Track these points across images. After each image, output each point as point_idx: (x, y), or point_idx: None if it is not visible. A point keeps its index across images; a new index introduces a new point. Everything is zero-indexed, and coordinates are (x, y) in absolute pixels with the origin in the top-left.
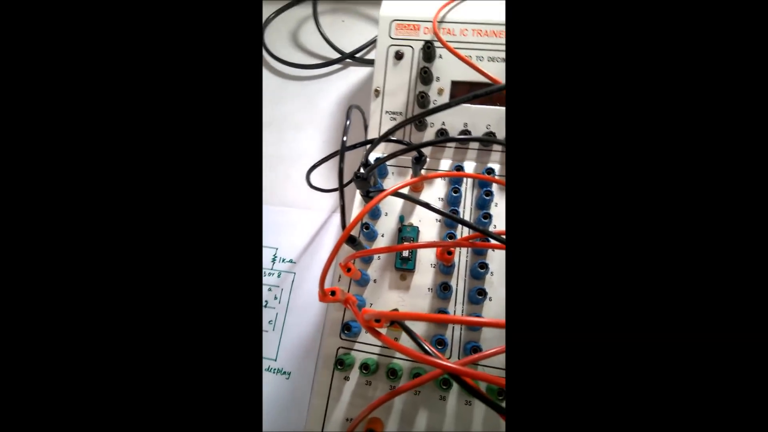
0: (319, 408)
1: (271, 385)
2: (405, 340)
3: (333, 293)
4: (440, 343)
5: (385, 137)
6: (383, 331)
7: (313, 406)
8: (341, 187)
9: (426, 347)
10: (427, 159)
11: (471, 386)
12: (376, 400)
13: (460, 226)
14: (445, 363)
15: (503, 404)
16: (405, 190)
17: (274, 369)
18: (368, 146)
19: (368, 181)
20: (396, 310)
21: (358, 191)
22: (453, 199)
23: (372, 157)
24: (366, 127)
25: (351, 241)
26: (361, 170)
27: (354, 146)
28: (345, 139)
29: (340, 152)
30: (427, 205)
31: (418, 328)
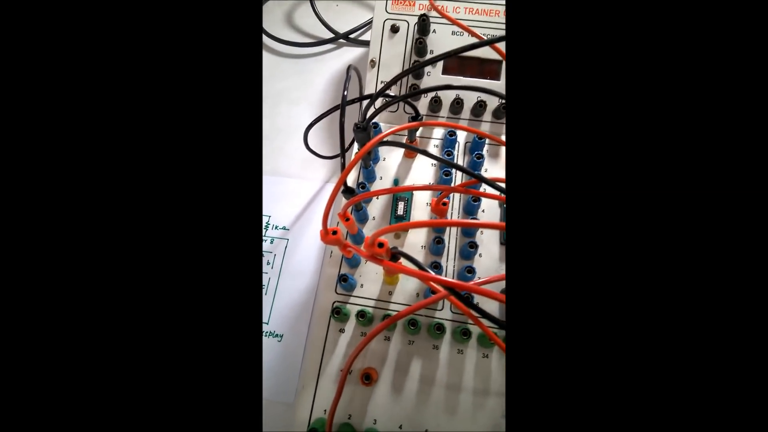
0: (313, 361)
1: (263, 347)
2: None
3: (335, 232)
4: (438, 241)
5: (383, 91)
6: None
7: (308, 357)
8: (342, 142)
9: (426, 268)
10: (423, 119)
11: (472, 303)
12: (364, 339)
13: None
14: (447, 279)
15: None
16: (399, 157)
17: (267, 332)
18: (366, 101)
19: (368, 132)
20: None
21: (354, 152)
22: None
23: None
24: (362, 94)
25: (349, 192)
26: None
27: (353, 101)
28: (345, 93)
29: (341, 106)
30: (424, 152)
31: (417, 241)
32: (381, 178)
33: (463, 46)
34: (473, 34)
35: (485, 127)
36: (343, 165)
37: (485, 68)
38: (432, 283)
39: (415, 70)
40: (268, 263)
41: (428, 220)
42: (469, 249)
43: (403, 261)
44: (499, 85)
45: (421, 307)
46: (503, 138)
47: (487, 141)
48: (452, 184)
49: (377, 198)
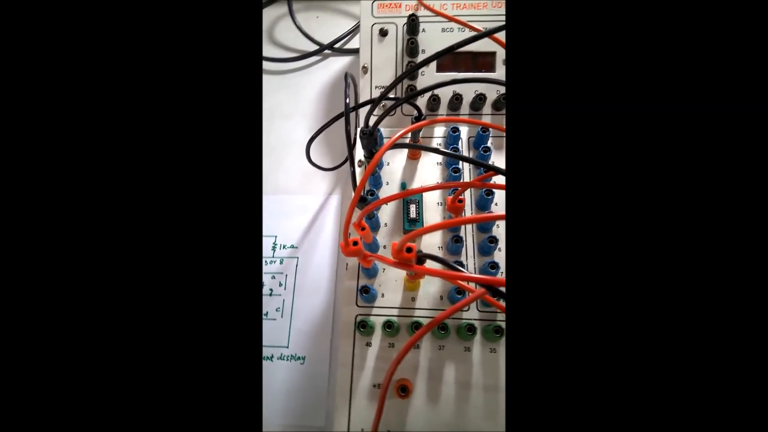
0: (344, 380)
1: (285, 372)
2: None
3: (356, 243)
4: (457, 240)
5: (385, 95)
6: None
7: (339, 376)
8: (350, 150)
9: (456, 266)
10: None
11: None
12: (401, 350)
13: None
14: (482, 276)
15: None
16: (403, 160)
17: (287, 356)
18: (369, 107)
19: (374, 137)
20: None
21: (357, 161)
22: (451, 160)
23: (372, 121)
24: (357, 101)
25: (361, 200)
26: (367, 126)
27: (357, 106)
28: (348, 101)
29: (345, 113)
30: (436, 150)
31: (434, 242)
32: (387, 183)
33: (463, 39)
34: (469, 27)
35: (486, 120)
36: (353, 174)
37: (479, 61)
38: (462, 282)
39: (414, 71)
40: (281, 284)
41: (449, 220)
42: (489, 244)
43: (428, 263)
44: (495, 77)
45: (459, 308)
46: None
47: (491, 133)
48: (461, 163)
49: (386, 204)
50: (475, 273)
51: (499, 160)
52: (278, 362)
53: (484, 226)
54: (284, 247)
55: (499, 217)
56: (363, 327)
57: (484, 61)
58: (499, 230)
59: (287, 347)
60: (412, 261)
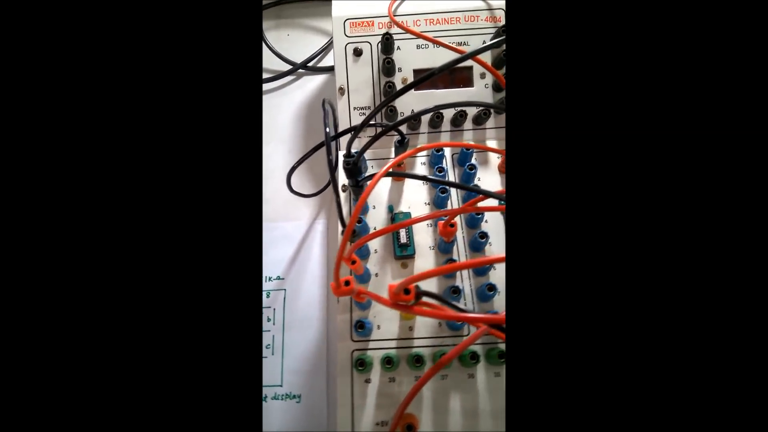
0: (345, 419)
1: (281, 412)
2: (422, 324)
3: (347, 283)
4: (455, 291)
5: (367, 122)
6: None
7: (339, 418)
8: (333, 179)
9: (461, 306)
10: (409, 141)
11: None
12: (409, 393)
13: (450, 204)
14: (487, 316)
15: None
16: (389, 182)
17: (282, 395)
18: (350, 135)
19: (358, 167)
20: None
21: (341, 186)
22: (439, 178)
23: (353, 147)
24: (336, 126)
25: (351, 234)
26: (349, 158)
27: (339, 135)
28: (328, 130)
29: (326, 143)
30: (425, 178)
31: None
32: (374, 207)
33: (447, 63)
34: (444, 45)
35: (468, 136)
36: (338, 203)
37: (456, 77)
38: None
39: (397, 96)
40: (269, 319)
41: (449, 265)
42: (479, 239)
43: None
44: (473, 91)
45: (469, 344)
46: (489, 144)
47: (475, 149)
48: (449, 201)
49: (374, 228)
50: (473, 296)
51: (484, 176)
52: (273, 402)
53: (473, 223)
54: (270, 279)
55: (499, 260)
56: (361, 366)
57: (462, 77)
58: (492, 249)
59: (281, 386)
60: (410, 302)
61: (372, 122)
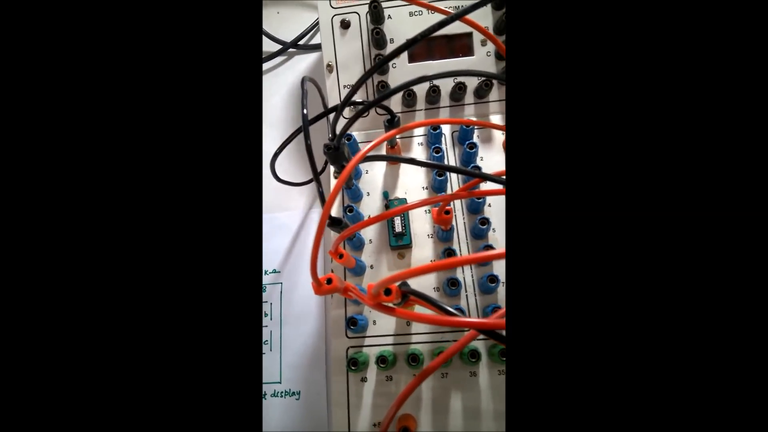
0: (341, 419)
1: (281, 409)
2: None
3: (329, 281)
4: (453, 284)
5: (348, 100)
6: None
7: (335, 418)
8: (313, 167)
9: (449, 309)
10: (400, 120)
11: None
12: (401, 393)
13: (450, 188)
14: (476, 320)
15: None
16: (384, 166)
17: (281, 392)
18: (332, 115)
19: (341, 151)
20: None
21: (332, 173)
22: (435, 160)
23: (339, 128)
24: (325, 107)
25: (335, 223)
26: (331, 141)
27: (317, 118)
28: (305, 112)
29: (303, 128)
30: (411, 161)
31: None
32: (368, 194)
33: (431, 26)
34: (435, 9)
35: (469, 111)
36: (320, 194)
37: (455, 45)
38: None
39: (379, 67)
40: (266, 314)
41: (437, 262)
42: (480, 226)
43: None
44: (474, 61)
45: (455, 351)
46: (491, 120)
47: (476, 127)
48: (449, 184)
49: (368, 216)
50: (475, 289)
51: (487, 153)
52: (272, 399)
53: (475, 208)
54: (266, 272)
55: (499, 256)
56: (354, 365)
57: (461, 45)
58: (495, 235)
59: (280, 382)
60: (393, 303)
61: (357, 100)
